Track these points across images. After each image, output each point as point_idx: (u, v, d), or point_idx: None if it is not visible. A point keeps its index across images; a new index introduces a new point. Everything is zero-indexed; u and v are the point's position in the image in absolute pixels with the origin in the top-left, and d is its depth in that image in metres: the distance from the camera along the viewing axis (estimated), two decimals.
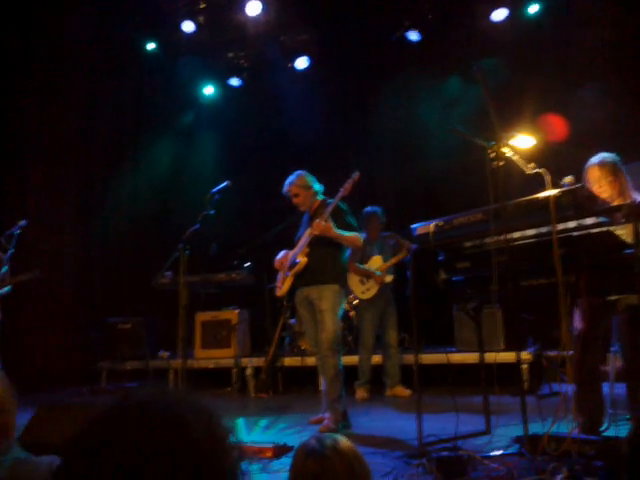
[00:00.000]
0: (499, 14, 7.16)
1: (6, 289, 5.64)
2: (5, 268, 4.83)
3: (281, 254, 4.65)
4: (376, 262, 5.89)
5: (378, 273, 5.80)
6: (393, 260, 5.83)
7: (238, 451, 0.84)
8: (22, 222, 4.81)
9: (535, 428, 3.12)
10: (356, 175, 4.28)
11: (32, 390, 6.61)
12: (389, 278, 5.85)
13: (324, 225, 4.16)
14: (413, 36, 7.56)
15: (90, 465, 0.73)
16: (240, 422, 4.75)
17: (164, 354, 7.11)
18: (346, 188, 4.26)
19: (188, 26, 7.79)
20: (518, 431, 3.36)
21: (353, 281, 5.85)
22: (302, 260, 4.36)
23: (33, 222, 5.26)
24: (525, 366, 5.41)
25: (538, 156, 3.39)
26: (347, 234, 4.28)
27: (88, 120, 8.11)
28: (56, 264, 6.19)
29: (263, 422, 4.73)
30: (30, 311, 6.66)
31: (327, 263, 4.33)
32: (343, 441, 1.54)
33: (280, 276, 4.65)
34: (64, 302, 7.55)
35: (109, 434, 0.76)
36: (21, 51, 7.48)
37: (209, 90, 8.79)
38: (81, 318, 7.60)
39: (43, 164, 7.72)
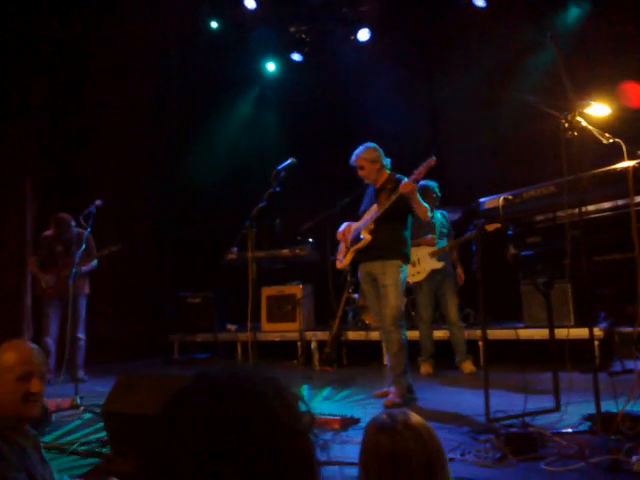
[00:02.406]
0: None
1: (93, 264, 5.95)
2: (84, 246, 5.08)
3: (344, 226, 4.68)
4: (428, 243, 5.78)
5: (430, 236, 5.75)
6: (449, 245, 5.76)
7: (311, 418, 0.87)
8: (98, 202, 5.03)
9: (607, 406, 3.04)
10: (432, 160, 4.06)
11: (109, 360, 6.99)
12: (439, 265, 5.70)
13: (412, 185, 4.10)
14: (479, 2, 7.30)
15: (179, 441, 0.78)
16: (307, 392, 4.86)
17: (232, 327, 7.33)
18: (420, 172, 4.08)
19: (250, 3, 7.82)
20: (589, 409, 3.28)
21: None
22: (366, 237, 4.36)
23: (107, 200, 5.50)
24: (596, 342, 5.25)
25: (615, 125, 3.24)
26: (423, 203, 4.26)
27: (157, 99, 8.33)
28: (130, 241, 6.45)
29: (329, 394, 4.82)
30: (106, 286, 6.98)
31: (391, 239, 4.33)
32: (414, 416, 1.56)
33: (341, 248, 4.68)
34: (138, 277, 7.87)
35: (192, 411, 0.80)
36: (93, 32, 7.72)
37: (271, 66, 8.84)
38: (154, 292, 7.92)
39: (115, 143, 8.00)
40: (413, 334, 5.86)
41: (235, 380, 0.84)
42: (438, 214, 5.94)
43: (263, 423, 0.79)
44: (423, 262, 5.74)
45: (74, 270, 4.91)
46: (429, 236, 5.77)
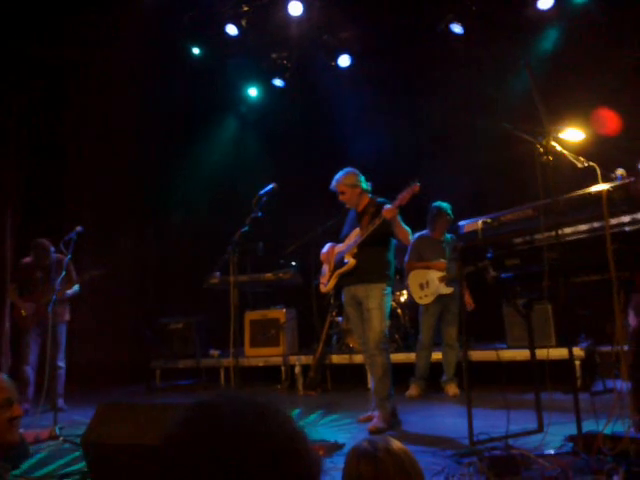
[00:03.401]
0: (546, 1, 6.98)
1: (75, 289, 5.89)
2: (64, 272, 5.03)
3: (327, 247, 4.69)
4: (440, 267, 5.70)
5: (442, 261, 5.71)
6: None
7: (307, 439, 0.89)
8: (79, 228, 4.99)
9: (589, 426, 3.06)
10: (416, 185, 4.03)
11: (89, 388, 6.89)
12: (448, 290, 5.63)
13: (395, 211, 4.12)
14: (457, 29, 7.46)
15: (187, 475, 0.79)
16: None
17: (215, 353, 7.26)
18: (404, 197, 4.06)
19: (232, 29, 7.92)
20: (571, 429, 3.30)
21: (413, 285, 5.79)
22: (351, 261, 4.38)
23: (88, 226, 5.47)
24: (577, 362, 5.30)
25: (589, 150, 3.32)
26: (405, 227, 4.28)
27: (138, 125, 8.34)
28: (111, 267, 6.41)
29: (313, 419, 4.78)
30: (86, 312, 6.91)
31: (375, 262, 4.35)
32: (395, 442, 1.57)
33: (325, 271, 4.69)
34: (119, 303, 7.80)
35: (199, 445, 0.81)
36: (74, 56, 7.75)
37: (253, 92, 8.95)
38: (136, 318, 7.85)
39: (96, 168, 7.99)
40: (398, 357, 5.88)
41: (239, 412, 0.85)
42: (448, 237, 5.85)
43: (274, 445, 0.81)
44: (432, 286, 5.68)
45: (54, 297, 4.85)
46: (441, 260, 5.71)
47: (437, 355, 5.87)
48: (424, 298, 5.72)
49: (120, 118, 8.05)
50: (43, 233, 6.14)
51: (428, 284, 5.71)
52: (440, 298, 5.68)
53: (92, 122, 7.99)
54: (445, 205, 5.76)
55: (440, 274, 5.67)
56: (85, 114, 7.96)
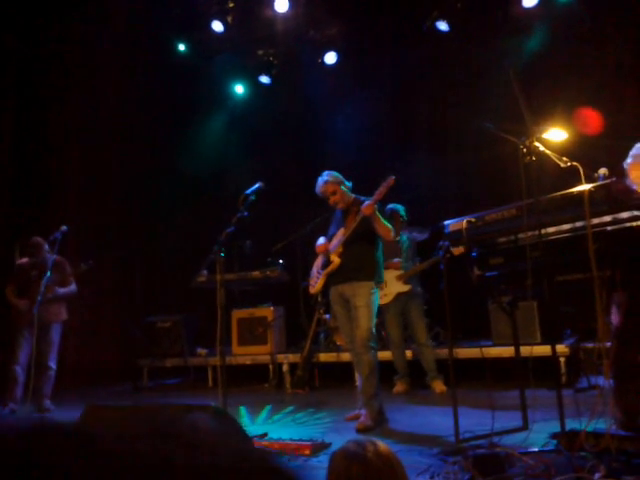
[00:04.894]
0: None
1: (72, 288, 5.84)
2: (49, 273, 4.98)
3: (322, 239, 4.65)
4: (395, 266, 5.87)
5: (396, 260, 5.84)
6: (416, 268, 5.83)
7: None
8: (63, 227, 4.96)
9: (573, 423, 3.10)
10: (390, 179, 4.10)
11: (75, 387, 6.85)
12: (405, 288, 5.77)
13: (373, 206, 4.14)
14: (442, 26, 7.48)
15: None
16: (277, 418, 4.84)
17: (202, 351, 7.25)
18: (380, 192, 4.12)
19: (217, 26, 7.89)
20: (556, 427, 3.32)
21: None
22: (335, 260, 4.39)
23: (74, 224, 5.43)
24: (562, 359, 5.36)
25: (572, 149, 3.35)
26: (385, 223, 4.30)
27: (124, 122, 8.29)
28: (98, 266, 6.36)
29: (300, 418, 4.80)
30: (73, 311, 6.85)
31: (362, 260, 4.36)
32: (381, 444, 1.58)
33: (313, 273, 4.69)
34: (106, 302, 7.76)
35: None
36: (60, 52, 7.69)
37: (239, 89, 8.92)
38: (122, 317, 7.80)
39: (82, 166, 7.94)
40: (385, 354, 5.90)
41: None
42: (404, 237, 6.02)
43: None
44: (390, 285, 5.80)
45: (39, 298, 4.81)
46: (395, 260, 5.86)
47: (412, 353, 5.98)
48: (384, 298, 5.78)
49: (105, 115, 8.00)
50: (29, 232, 6.07)
51: (386, 284, 5.77)
52: (399, 296, 5.80)
53: (77, 118, 7.92)
54: (399, 207, 5.92)
55: (397, 273, 5.80)
56: (69, 111, 7.89)
